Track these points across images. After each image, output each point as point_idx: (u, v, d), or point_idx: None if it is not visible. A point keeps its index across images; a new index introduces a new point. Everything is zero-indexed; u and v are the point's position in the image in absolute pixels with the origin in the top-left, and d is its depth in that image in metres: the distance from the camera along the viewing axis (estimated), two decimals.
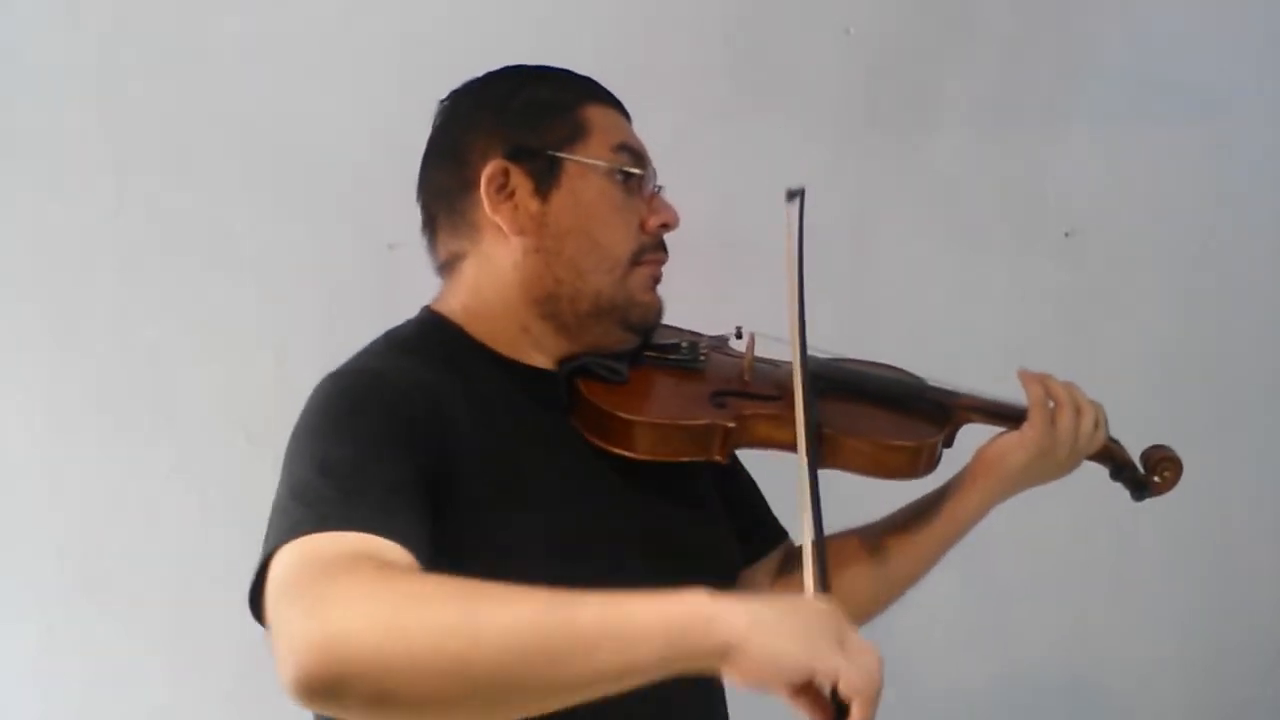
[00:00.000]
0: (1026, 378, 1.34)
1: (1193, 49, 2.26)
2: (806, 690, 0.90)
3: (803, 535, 1.08)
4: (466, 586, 0.91)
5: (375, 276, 1.89)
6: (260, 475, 1.84)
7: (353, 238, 1.93)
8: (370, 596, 0.90)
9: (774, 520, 1.45)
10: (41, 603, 1.86)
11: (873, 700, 0.89)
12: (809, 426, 1.16)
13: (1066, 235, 2.23)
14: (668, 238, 1.32)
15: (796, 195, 1.27)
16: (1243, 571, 2.27)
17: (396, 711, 0.90)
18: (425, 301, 1.33)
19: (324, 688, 0.88)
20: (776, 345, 1.33)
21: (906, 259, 2.16)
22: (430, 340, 1.26)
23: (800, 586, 1.37)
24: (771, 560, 1.43)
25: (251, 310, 1.91)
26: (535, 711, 0.93)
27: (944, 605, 1.83)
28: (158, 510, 1.88)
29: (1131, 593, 2.24)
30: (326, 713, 0.92)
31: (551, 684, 0.90)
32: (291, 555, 0.97)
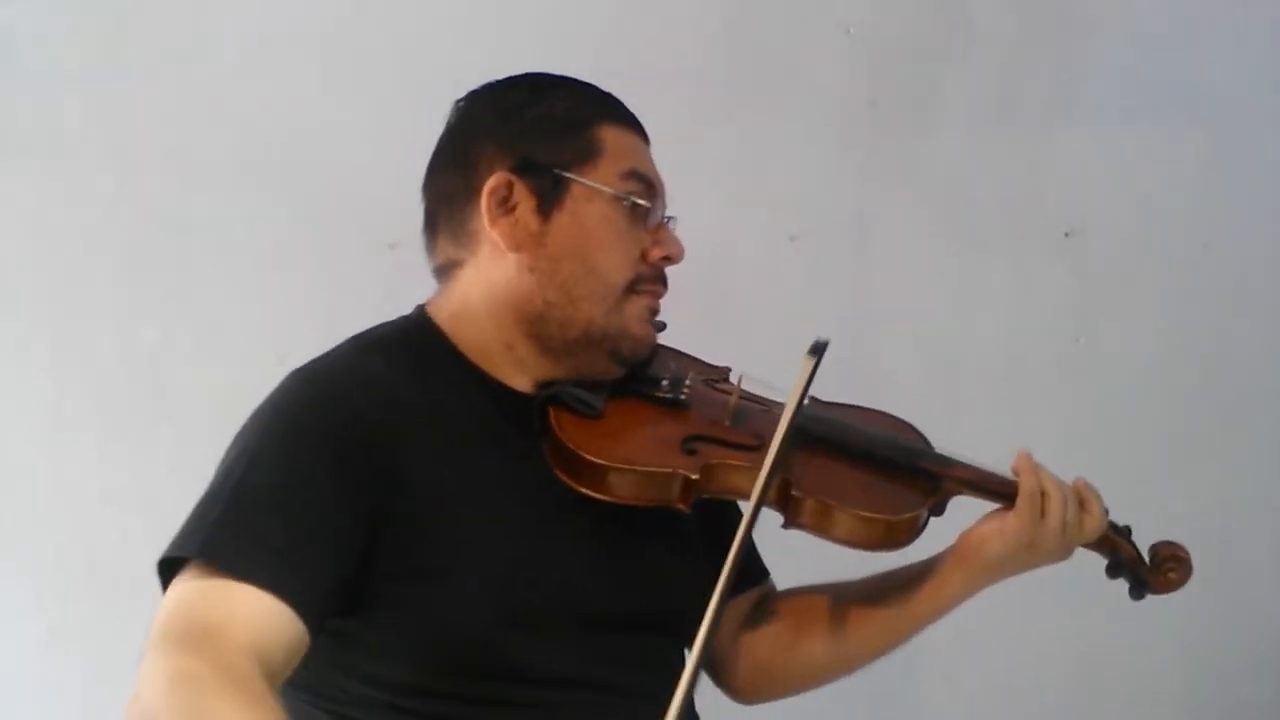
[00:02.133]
0: (1023, 467, 1.26)
1: (1193, 49, 2.26)
2: None
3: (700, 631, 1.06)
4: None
5: (375, 276, 1.89)
6: None
7: (353, 238, 1.93)
8: (165, 696, 0.96)
9: (757, 558, 1.40)
10: (42, 602, 1.86)
11: None
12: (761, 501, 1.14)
13: (1066, 235, 2.22)
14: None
15: (819, 351, 1.21)
16: (1243, 572, 2.27)
17: None
18: (425, 301, 1.32)
19: None
20: (768, 387, 1.30)
21: (906, 259, 2.16)
22: (409, 341, 1.24)
23: (767, 635, 1.37)
24: (746, 599, 1.38)
25: (251, 310, 1.91)
26: None
27: (939, 617, 1.81)
28: (158, 510, 1.88)
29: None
30: None
31: None
32: (182, 600, 1.04)
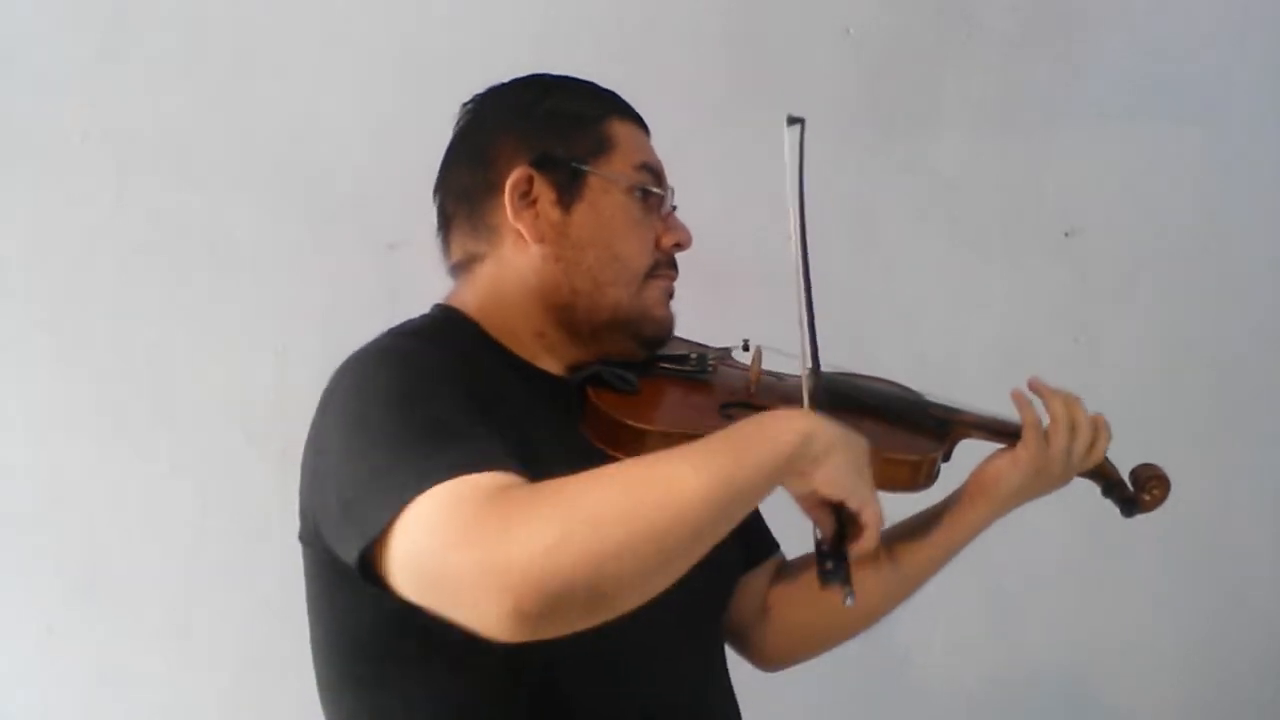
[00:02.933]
0: (1020, 400, 1.33)
1: (1193, 49, 2.26)
2: (827, 506, 1.10)
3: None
4: (619, 471, 0.98)
5: (375, 276, 1.89)
6: (260, 475, 1.86)
7: (353, 238, 1.93)
8: (550, 512, 0.93)
9: (768, 531, 1.45)
10: (41, 603, 1.86)
11: (879, 533, 1.11)
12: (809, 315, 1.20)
13: (1066, 235, 2.23)
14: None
15: (797, 122, 1.25)
16: (1243, 572, 2.27)
17: (608, 607, 0.94)
18: (426, 301, 1.32)
19: (545, 609, 0.90)
20: (781, 359, 1.33)
21: (906, 259, 2.16)
22: (446, 332, 1.26)
23: (793, 597, 1.40)
24: (764, 571, 1.43)
25: (251, 310, 1.91)
26: (701, 554, 0.99)
27: (944, 605, 1.83)
28: (158, 510, 1.88)
29: (1131, 593, 2.24)
30: (538, 635, 0.93)
31: (722, 526, 0.99)
32: (433, 504, 0.95)
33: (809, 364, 1.22)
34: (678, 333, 1.36)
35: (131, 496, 1.88)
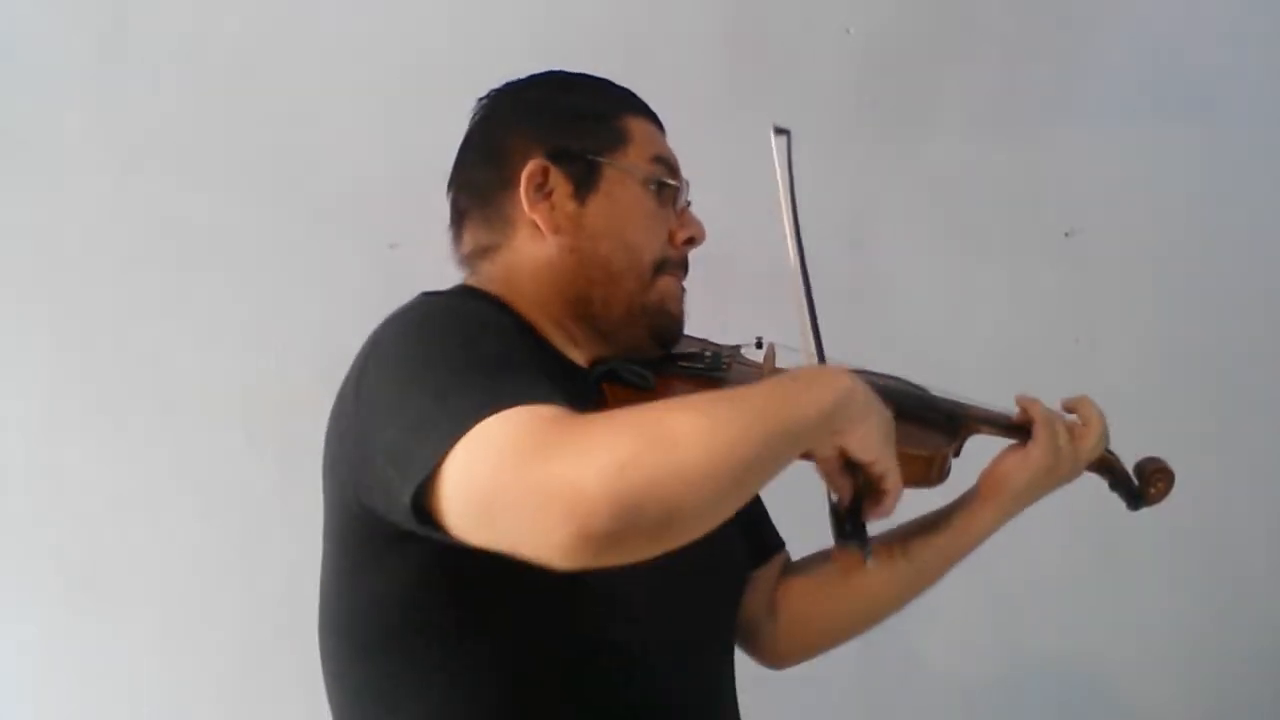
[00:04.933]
0: (1025, 400, 1.35)
1: (1192, 48, 2.26)
2: (847, 471, 1.10)
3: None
4: (687, 400, 0.96)
5: (375, 276, 1.89)
6: (260, 475, 1.87)
7: (353, 238, 1.93)
8: (623, 430, 0.91)
9: (774, 528, 1.45)
10: (40, 603, 1.86)
11: (897, 501, 1.12)
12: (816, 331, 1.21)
13: (1066, 235, 2.23)
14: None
15: (783, 133, 1.28)
16: (1242, 572, 2.27)
17: (674, 533, 0.91)
18: (466, 279, 1.32)
19: (612, 530, 0.87)
20: (793, 357, 1.32)
21: (906, 259, 2.16)
22: (479, 298, 1.25)
23: (801, 591, 1.41)
24: (772, 568, 1.43)
25: (251, 310, 1.91)
26: (756, 489, 1.00)
27: (944, 605, 1.82)
28: (157, 510, 1.89)
29: (1131, 593, 2.24)
30: (604, 560, 0.89)
31: (773, 467, 0.99)
32: (498, 424, 0.92)
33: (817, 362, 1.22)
34: (688, 330, 1.36)
35: (131, 496, 1.88)
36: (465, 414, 0.93)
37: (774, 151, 1.26)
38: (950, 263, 2.18)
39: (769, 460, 0.97)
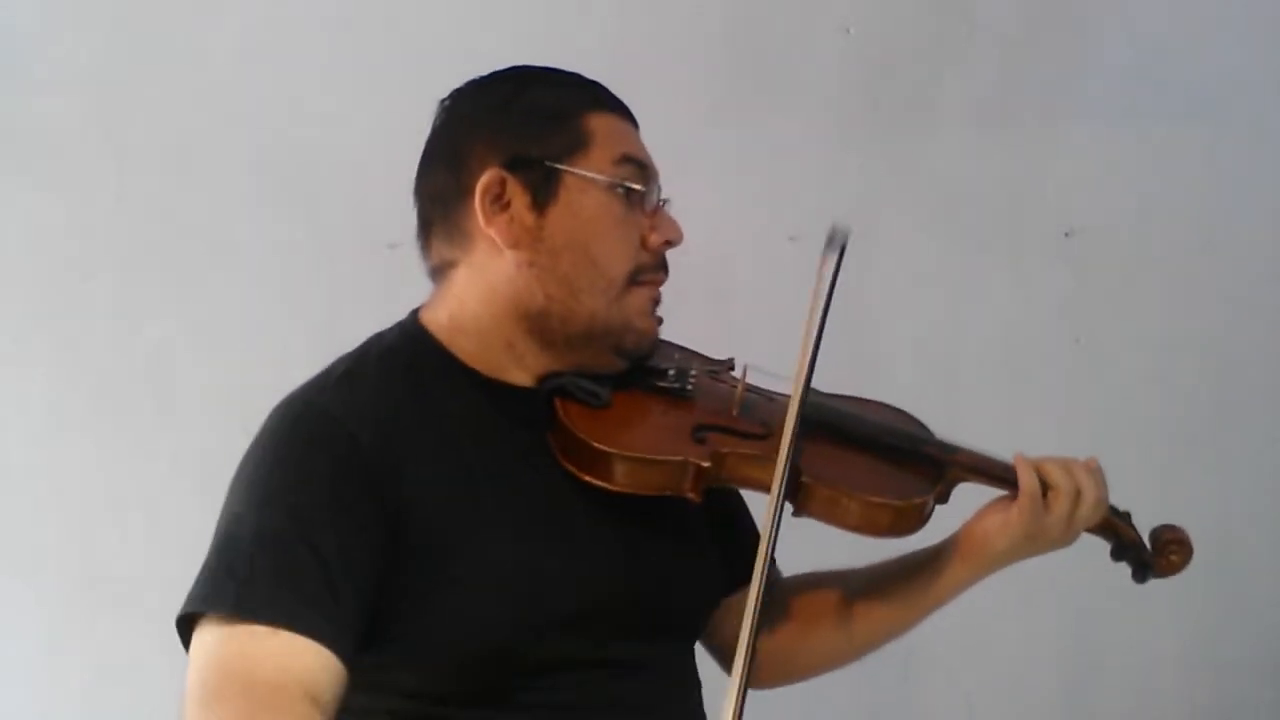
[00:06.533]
0: (1020, 463, 1.26)
1: (1193, 49, 2.26)
2: None
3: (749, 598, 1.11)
4: None
5: (375, 276, 1.89)
6: None
7: (353, 238, 1.93)
8: None
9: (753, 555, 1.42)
10: (42, 602, 1.86)
11: None
12: (787, 482, 1.15)
13: (1066, 235, 2.23)
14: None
15: (839, 243, 1.21)
16: (1243, 572, 2.27)
17: None
18: (419, 306, 1.31)
19: None
20: (772, 377, 1.30)
21: (906, 259, 2.16)
22: (401, 352, 1.22)
23: (777, 632, 1.37)
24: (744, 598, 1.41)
25: (251, 310, 1.91)
26: None
27: (944, 605, 1.82)
28: (157, 510, 1.88)
29: (1131, 593, 2.24)
30: None
31: None
32: (215, 652, 1.06)
33: (800, 390, 1.18)
34: (676, 338, 1.32)
35: (131, 496, 1.88)
36: (213, 595, 1.08)
37: (824, 263, 1.21)
38: (950, 262, 2.18)
39: None
